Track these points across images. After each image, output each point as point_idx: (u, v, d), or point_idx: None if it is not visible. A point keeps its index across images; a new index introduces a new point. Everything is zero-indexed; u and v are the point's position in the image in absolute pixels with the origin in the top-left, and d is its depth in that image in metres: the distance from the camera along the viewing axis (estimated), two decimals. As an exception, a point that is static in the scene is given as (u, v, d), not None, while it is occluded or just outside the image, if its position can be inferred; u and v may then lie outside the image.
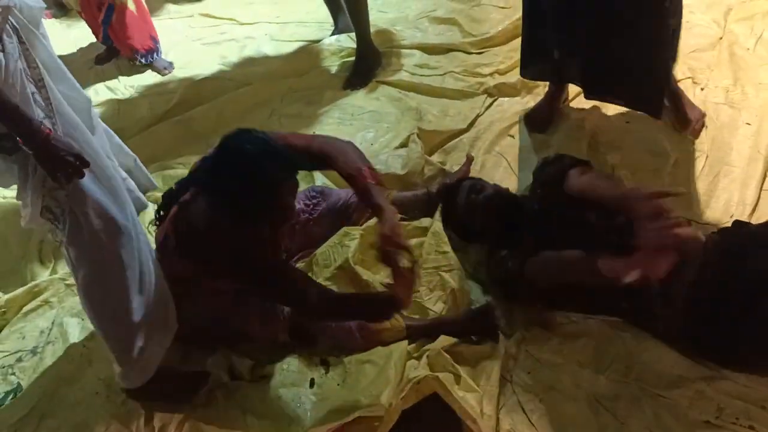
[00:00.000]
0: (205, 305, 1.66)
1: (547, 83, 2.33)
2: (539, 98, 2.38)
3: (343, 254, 1.85)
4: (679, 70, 2.31)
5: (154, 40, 3.15)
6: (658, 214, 1.32)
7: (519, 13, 2.77)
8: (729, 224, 1.65)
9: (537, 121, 2.33)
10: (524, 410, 1.51)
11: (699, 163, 2.05)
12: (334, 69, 2.88)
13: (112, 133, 2.12)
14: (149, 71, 3.15)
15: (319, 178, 2.20)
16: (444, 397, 1.51)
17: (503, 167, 2.22)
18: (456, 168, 2.18)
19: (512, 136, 2.34)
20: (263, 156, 1.39)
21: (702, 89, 2.30)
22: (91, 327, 1.81)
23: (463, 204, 1.88)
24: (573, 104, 2.39)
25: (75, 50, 3.49)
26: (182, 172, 2.34)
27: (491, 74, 2.62)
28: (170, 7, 3.84)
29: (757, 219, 1.79)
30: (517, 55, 2.60)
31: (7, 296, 2.03)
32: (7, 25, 1.32)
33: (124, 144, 2.20)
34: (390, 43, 2.91)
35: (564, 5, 1.95)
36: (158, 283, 1.58)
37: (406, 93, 2.63)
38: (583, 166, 1.74)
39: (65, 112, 1.46)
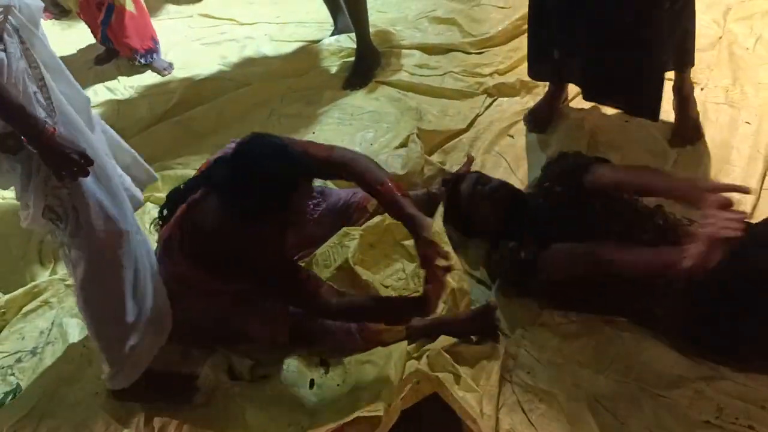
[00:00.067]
0: (206, 305, 1.67)
1: (547, 83, 2.33)
2: (539, 98, 2.38)
3: (343, 254, 1.86)
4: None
5: (154, 40, 3.15)
6: (725, 205, 1.33)
7: (519, 14, 2.80)
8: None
9: (537, 120, 2.33)
10: (524, 410, 1.51)
11: (699, 163, 2.05)
12: (333, 69, 2.88)
13: (111, 130, 2.11)
14: (149, 72, 3.14)
15: (320, 179, 2.19)
16: (444, 397, 1.51)
17: (503, 167, 2.22)
18: (456, 168, 2.18)
19: (512, 136, 2.34)
20: (281, 160, 1.41)
21: (702, 89, 2.30)
22: (90, 327, 1.81)
23: (469, 194, 1.87)
24: (573, 104, 2.39)
25: (74, 51, 3.47)
26: (182, 172, 2.34)
27: (491, 74, 2.62)
28: (170, 8, 3.83)
29: (757, 219, 1.79)
30: (517, 55, 2.61)
31: (6, 297, 2.02)
32: (8, 25, 1.33)
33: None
34: (389, 44, 2.90)
35: (564, 5, 1.96)
36: (154, 283, 1.58)
37: (405, 93, 2.63)
38: (603, 163, 1.74)
39: (66, 111, 1.46)
